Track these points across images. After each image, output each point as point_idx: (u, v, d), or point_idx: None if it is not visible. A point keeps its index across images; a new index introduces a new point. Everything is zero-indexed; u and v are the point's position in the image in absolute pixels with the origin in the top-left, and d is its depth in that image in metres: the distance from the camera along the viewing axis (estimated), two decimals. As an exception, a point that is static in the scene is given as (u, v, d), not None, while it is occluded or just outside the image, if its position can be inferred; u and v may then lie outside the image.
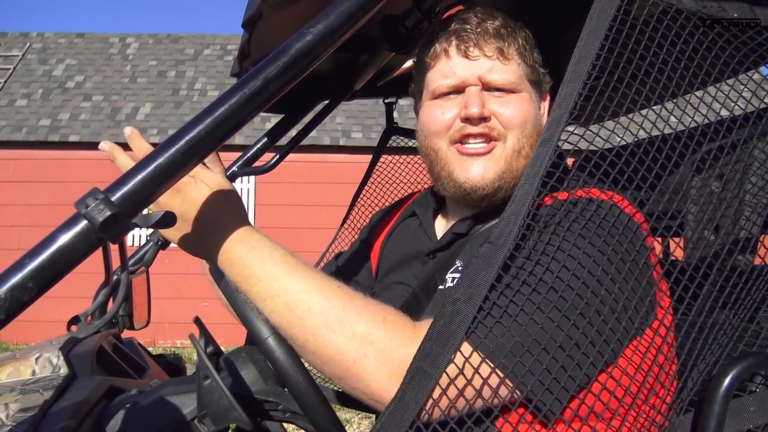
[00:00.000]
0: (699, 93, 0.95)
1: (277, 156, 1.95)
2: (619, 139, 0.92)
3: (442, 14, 1.30)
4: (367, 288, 1.37)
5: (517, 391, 0.81)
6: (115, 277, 0.87)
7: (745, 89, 0.98)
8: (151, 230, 1.92)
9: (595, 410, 0.83)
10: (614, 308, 0.83)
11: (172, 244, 1.93)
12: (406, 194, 1.91)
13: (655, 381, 0.89)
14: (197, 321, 1.16)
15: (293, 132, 1.96)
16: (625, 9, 0.87)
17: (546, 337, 0.80)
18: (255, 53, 1.47)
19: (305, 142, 2.10)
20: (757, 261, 1.00)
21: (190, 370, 2.05)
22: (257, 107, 0.81)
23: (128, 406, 1.14)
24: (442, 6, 1.30)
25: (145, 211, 0.81)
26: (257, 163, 1.93)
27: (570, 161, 0.99)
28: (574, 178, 0.94)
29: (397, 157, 2.37)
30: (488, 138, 1.11)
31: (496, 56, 1.11)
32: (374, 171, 2.35)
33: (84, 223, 0.71)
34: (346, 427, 4.28)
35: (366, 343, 0.83)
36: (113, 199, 0.73)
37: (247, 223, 0.93)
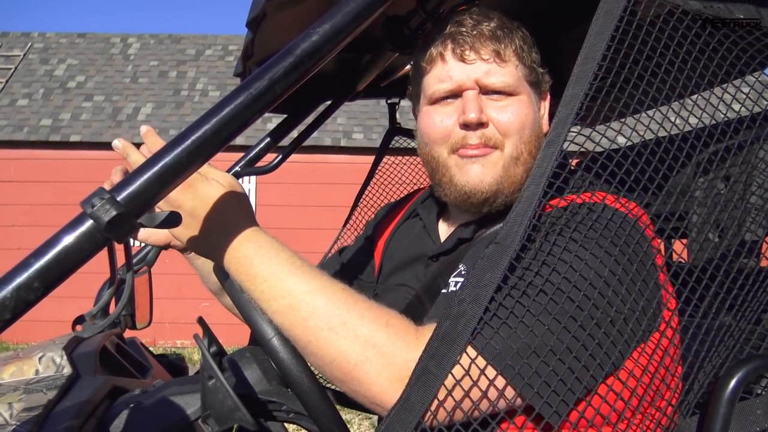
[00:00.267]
0: (705, 94, 0.94)
1: (280, 156, 1.95)
2: (625, 140, 0.92)
3: (447, 15, 1.30)
4: (369, 285, 1.37)
5: (522, 394, 0.80)
6: (118, 276, 0.87)
7: (752, 90, 0.98)
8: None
9: (601, 413, 0.82)
10: (621, 311, 0.83)
11: (174, 244, 1.91)
12: (402, 197, 1.91)
13: (661, 383, 0.89)
14: (201, 321, 1.16)
15: (295, 132, 1.96)
16: (631, 10, 0.87)
17: (552, 340, 0.80)
18: (259, 53, 1.47)
19: (306, 142, 2.10)
20: (764, 263, 0.99)
21: (192, 370, 2.05)
22: (263, 107, 0.81)
23: (132, 405, 1.14)
24: (447, 7, 1.30)
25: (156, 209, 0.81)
26: (259, 163, 1.93)
27: (573, 162, 0.98)
28: (580, 179, 0.94)
29: (399, 157, 2.37)
30: (485, 146, 1.11)
31: (493, 59, 1.10)
32: (376, 172, 2.35)
33: (90, 222, 0.71)
34: (347, 428, 4.27)
35: (368, 347, 0.83)
36: (119, 198, 0.73)
37: (255, 223, 0.93)
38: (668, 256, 1.05)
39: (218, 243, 0.91)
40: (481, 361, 0.79)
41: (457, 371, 0.78)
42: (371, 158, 2.40)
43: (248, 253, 0.89)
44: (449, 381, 0.78)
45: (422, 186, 2.24)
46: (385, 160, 2.35)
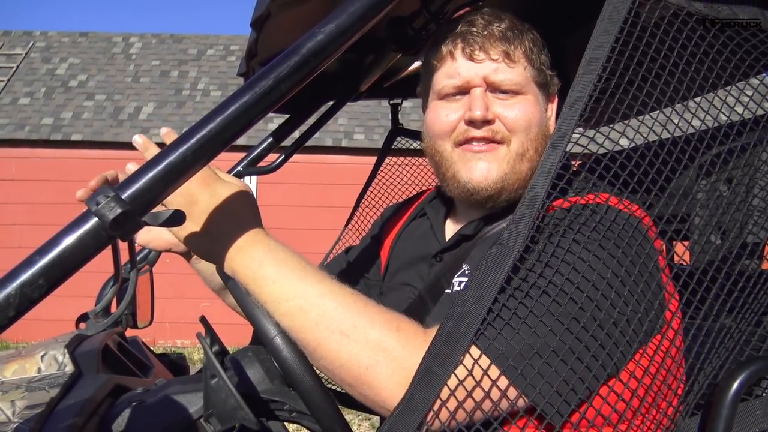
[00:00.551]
0: (708, 96, 0.95)
1: (283, 156, 1.95)
2: (628, 142, 0.92)
3: (451, 16, 1.30)
4: (374, 285, 1.37)
5: (525, 395, 0.80)
6: (121, 274, 0.87)
7: (755, 93, 0.98)
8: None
9: (602, 413, 0.83)
10: (624, 312, 0.83)
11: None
12: (411, 196, 1.91)
13: (662, 384, 0.89)
14: (203, 320, 1.16)
15: (296, 133, 1.96)
16: (636, 11, 0.87)
17: (555, 341, 0.80)
18: (262, 53, 1.47)
19: (307, 142, 2.11)
20: (765, 265, 1.00)
21: (192, 369, 2.06)
22: (268, 107, 0.81)
23: (134, 404, 1.15)
24: (451, 7, 1.31)
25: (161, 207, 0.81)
26: (261, 163, 1.93)
27: (576, 163, 0.99)
28: (583, 180, 0.94)
29: (401, 158, 2.37)
30: (492, 141, 1.11)
31: (502, 59, 1.11)
32: (378, 172, 2.35)
33: (94, 220, 0.71)
34: (347, 429, 4.27)
35: (379, 350, 0.83)
36: (124, 197, 0.73)
37: (263, 227, 0.93)
38: (670, 258, 1.05)
39: (227, 243, 0.90)
40: (484, 362, 0.79)
41: (460, 371, 0.78)
42: (372, 159, 2.40)
43: (257, 255, 0.89)
44: (452, 381, 0.78)
45: (424, 186, 2.25)
46: (387, 160, 2.35)
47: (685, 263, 1.01)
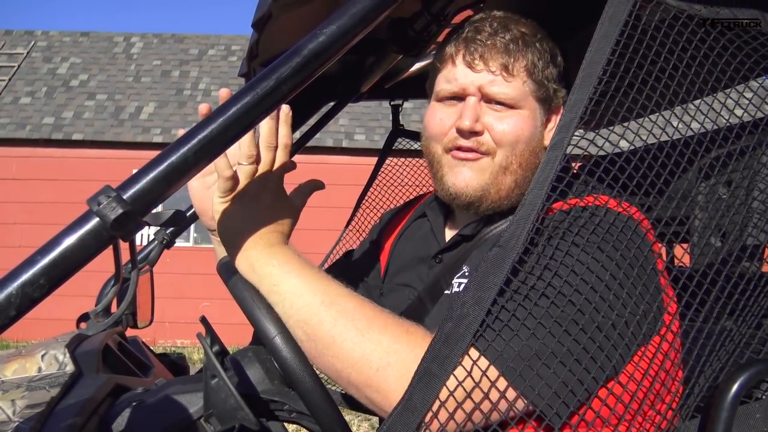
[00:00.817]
0: (708, 99, 0.95)
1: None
2: (628, 144, 0.93)
3: (452, 17, 1.30)
4: (375, 287, 1.38)
5: (523, 396, 0.81)
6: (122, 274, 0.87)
7: (755, 96, 0.98)
8: (157, 228, 1.93)
9: (601, 415, 0.83)
10: (622, 314, 0.83)
11: (177, 243, 1.93)
12: (411, 197, 1.91)
13: (661, 387, 0.89)
14: (203, 320, 1.16)
15: (297, 134, 1.96)
16: (636, 14, 0.87)
17: (554, 343, 0.80)
18: (263, 54, 1.47)
19: (308, 143, 2.11)
20: (765, 268, 1.00)
21: (192, 369, 2.06)
22: (269, 107, 0.81)
23: (134, 404, 1.15)
24: (452, 9, 1.31)
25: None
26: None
27: (576, 166, 0.99)
28: (583, 182, 0.94)
29: (402, 159, 2.37)
30: (477, 152, 1.12)
31: (500, 72, 1.11)
32: (379, 173, 2.35)
33: (96, 220, 0.71)
34: (346, 429, 4.26)
35: (391, 352, 0.84)
36: (125, 197, 0.73)
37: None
38: (670, 261, 1.05)
39: (260, 238, 0.95)
40: (482, 363, 0.79)
41: (459, 373, 0.78)
42: (373, 159, 2.40)
43: (287, 253, 0.94)
44: (451, 382, 0.78)
45: (425, 187, 2.25)
46: (387, 161, 2.35)
47: (684, 266, 1.01)
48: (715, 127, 0.95)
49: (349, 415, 4.78)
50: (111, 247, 0.76)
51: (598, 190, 0.92)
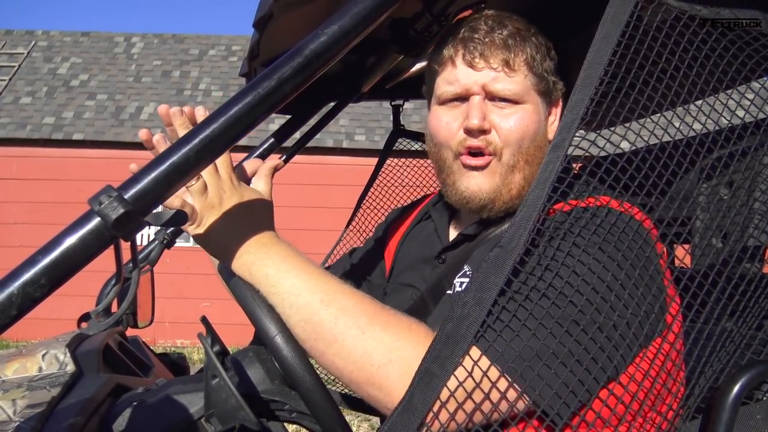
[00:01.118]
0: (710, 99, 0.95)
1: (284, 157, 1.95)
2: (629, 145, 0.92)
3: (453, 18, 1.30)
4: (378, 287, 1.38)
5: (524, 396, 0.81)
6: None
7: (756, 97, 0.98)
8: (157, 228, 1.93)
9: (602, 416, 0.83)
10: (624, 315, 0.83)
11: (177, 243, 1.92)
12: (411, 197, 1.91)
13: (662, 387, 0.89)
14: (204, 320, 1.16)
15: (297, 134, 1.96)
16: (638, 15, 0.87)
17: (555, 343, 0.80)
18: (265, 54, 1.47)
19: (308, 143, 2.11)
20: (766, 269, 1.00)
21: (193, 369, 2.06)
22: (271, 107, 0.81)
23: (135, 404, 1.15)
24: (453, 9, 1.31)
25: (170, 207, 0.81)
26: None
27: (577, 166, 0.99)
28: (584, 183, 0.94)
29: (403, 160, 2.37)
30: (485, 152, 1.13)
31: (502, 68, 1.11)
32: (379, 173, 2.35)
33: (97, 220, 0.71)
34: (346, 430, 4.26)
35: (393, 349, 0.84)
36: (126, 197, 0.73)
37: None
38: (671, 261, 1.05)
39: (249, 241, 0.93)
40: (483, 363, 0.79)
41: (460, 373, 0.78)
42: (373, 160, 2.40)
43: (281, 250, 0.93)
44: (452, 382, 0.78)
45: (425, 188, 2.25)
46: (388, 162, 2.35)
47: (686, 266, 1.01)
48: (717, 128, 0.95)
49: (349, 416, 4.78)
50: (112, 246, 0.76)
51: (600, 191, 0.92)
